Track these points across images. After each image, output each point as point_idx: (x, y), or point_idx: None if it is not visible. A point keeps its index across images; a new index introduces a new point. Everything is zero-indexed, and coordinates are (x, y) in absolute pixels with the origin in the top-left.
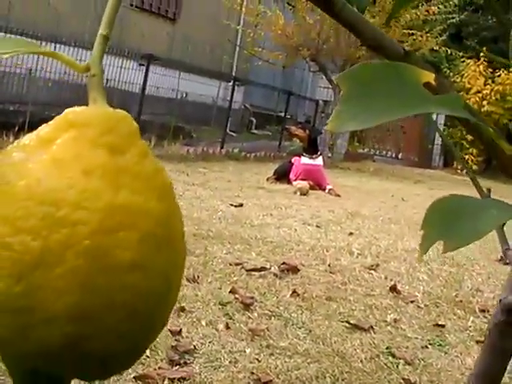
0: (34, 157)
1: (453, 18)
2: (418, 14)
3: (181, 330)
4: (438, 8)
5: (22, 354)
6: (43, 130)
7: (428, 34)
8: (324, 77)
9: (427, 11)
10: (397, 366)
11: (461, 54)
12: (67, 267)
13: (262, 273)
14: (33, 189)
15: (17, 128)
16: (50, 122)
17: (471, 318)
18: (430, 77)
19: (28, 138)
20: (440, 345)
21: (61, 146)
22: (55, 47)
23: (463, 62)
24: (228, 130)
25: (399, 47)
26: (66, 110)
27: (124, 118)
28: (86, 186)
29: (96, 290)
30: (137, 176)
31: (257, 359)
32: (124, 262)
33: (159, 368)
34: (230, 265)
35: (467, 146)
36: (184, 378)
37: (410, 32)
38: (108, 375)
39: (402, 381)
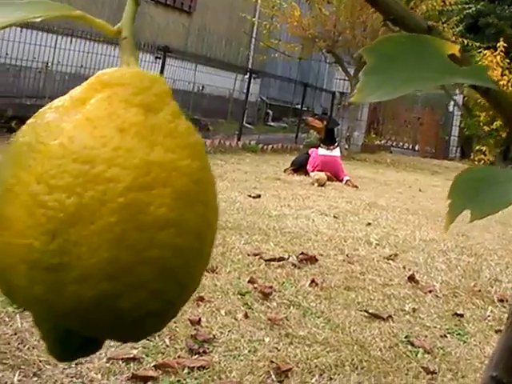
0: (67, 117)
1: (469, 8)
2: (435, 4)
3: (200, 319)
4: None
5: (56, 313)
6: (76, 91)
7: (444, 25)
8: (340, 68)
9: (443, 2)
10: (416, 355)
11: (477, 44)
12: (102, 224)
13: (281, 263)
14: (66, 147)
15: None
16: (83, 84)
17: (490, 308)
18: (454, 48)
19: (61, 100)
20: (459, 334)
21: (94, 106)
22: (71, 40)
23: (480, 52)
24: (244, 123)
25: (422, 22)
26: (99, 72)
27: (157, 78)
28: (119, 143)
29: (130, 247)
30: (170, 134)
31: (276, 348)
32: (158, 219)
33: (179, 357)
34: (249, 255)
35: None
36: (203, 367)
37: (435, 24)
38: (141, 336)
39: (421, 369)
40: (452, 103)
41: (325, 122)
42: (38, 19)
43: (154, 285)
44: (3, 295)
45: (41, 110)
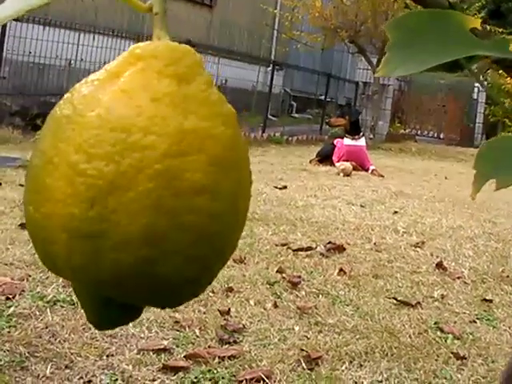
0: (103, 89)
1: None
2: None
3: (229, 309)
4: None
5: (95, 281)
6: (110, 65)
7: (467, 11)
8: (363, 58)
9: None
10: (445, 341)
11: (500, 30)
12: (139, 190)
13: (309, 252)
14: (103, 117)
15: None
16: (117, 57)
17: None
18: (476, 22)
19: (96, 74)
20: (488, 319)
21: (129, 78)
22: (93, 38)
23: (503, 38)
24: (269, 115)
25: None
26: (133, 46)
27: (188, 50)
28: (154, 112)
29: (167, 213)
30: (203, 103)
31: (306, 336)
32: (194, 185)
33: (209, 347)
34: (276, 245)
35: (509, 123)
36: (234, 356)
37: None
38: (179, 302)
39: (451, 355)
40: (476, 90)
41: (347, 117)
42: None
43: (191, 250)
44: (44, 265)
45: (76, 85)
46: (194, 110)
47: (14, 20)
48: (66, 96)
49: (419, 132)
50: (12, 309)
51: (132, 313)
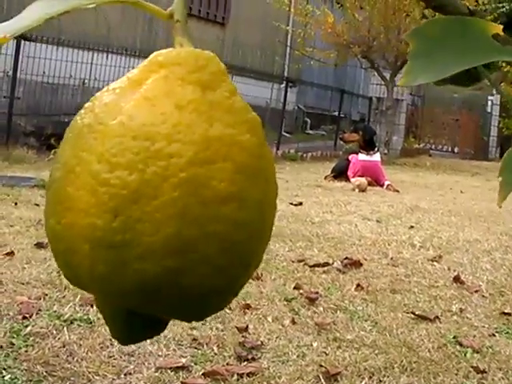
0: (126, 97)
1: (503, 6)
2: (468, 4)
3: (247, 326)
4: None
5: (119, 292)
6: (133, 72)
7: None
8: (376, 73)
9: (476, 1)
10: (465, 355)
11: None
12: (164, 199)
13: (326, 268)
14: (126, 125)
15: None
16: (139, 65)
17: None
18: (498, 28)
19: (117, 82)
20: (507, 332)
21: (152, 85)
22: (107, 56)
23: None
24: (283, 132)
25: (463, 6)
26: (155, 53)
27: (212, 57)
28: (179, 119)
29: (193, 222)
30: (228, 110)
31: (324, 352)
32: (220, 193)
33: (227, 364)
34: (293, 262)
35: None
36: (252, 373)
37: (477, 8)
38: (204, 315)
39: (470, 369)
40: (489, 104)
41: (361, 133)
42: (91, 5)
43: (217, 260)
44: (66, 279)
45: (98, 94)
46: (219, 118)
47: (27, 40)
48: (86, 105)
49: (433, 146)
50: (29, 328)
51: (156, 326)
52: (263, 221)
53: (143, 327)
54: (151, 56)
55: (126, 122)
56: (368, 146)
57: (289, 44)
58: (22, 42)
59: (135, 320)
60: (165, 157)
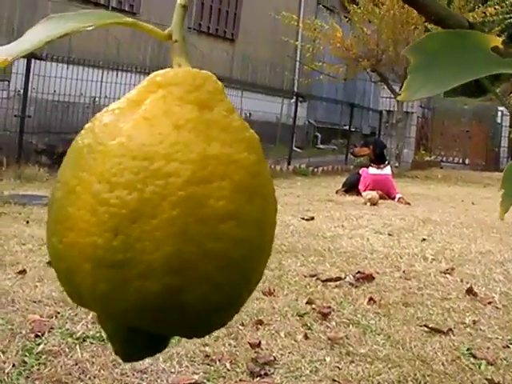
0: (125, 117)
1: (510, 17)
2: (475, 16)
3: (260, 342)
4: (495, 9)
5: (121, 310)
6: (131, 93)
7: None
8: (386, 87)
9: (484, 13)
10: (479, 367)
11: None
12: (163, 218)
13: (338, 282)
14: (126, 146)
15: None
16: (138, 86)
17: None
18: (497, 41)
19: (117, 103)
20: None
21: (150, 105)
22: (117, 74)
23: None
24: (294, 147)
25: (463, 19)
26: (153, 73)
27: (209, 76)
28: (177, 139)
29: (192, 240)
30: (226, 129)
31: (337, 367)
32: (218, 211)
33: (240, 380)
34: (305, 276)
35: None
36: None
37: (476, 22)
38: (206, 331)
39: (485, 381)
40: (500, 114)
41: (371, 147)
42: (90, 28)
43: (217, 277)
44: (69, 298)
45: (97, 115)
46: (216, 137)
47: (37, 59)
48: (86, 126)
49: (444, 158)
50: (41, 346)
51: (159, 344)
52: (262, 237)
53: (146, 344)
54: (149, 76)
55: (125, 143)
56: (379, 159)
57: (298, 59)
58: (33, 60)
59: (137, 337)
60: (163, 176)
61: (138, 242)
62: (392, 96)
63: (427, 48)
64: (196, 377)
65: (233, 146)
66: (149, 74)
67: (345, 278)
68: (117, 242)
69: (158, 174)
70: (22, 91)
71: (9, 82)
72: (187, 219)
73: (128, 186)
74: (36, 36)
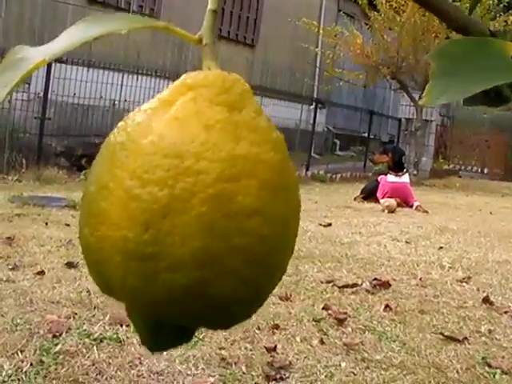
0: (156, 117)
1: None
2: (497, 25)
3: (276, 346)
4: None
5: (149, 301)
6: (163, 94)
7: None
8: (405, 94)
9: (505, 21)
10: (494, 376)
11: None
12: (193, 214)
13: (354, 289)
14: (157, 144)
15: None
16: (169, 87)
17: None
18: None
19: (149, 103)
20: None
21: (181, 106)
22: (137, 78)
23: None
24: (312, 153)
25: (485, 28)
26: (184, 75)
27: (238, 79)
28: (207, 138)
29: (219, 235)
30: (254, 130)
31: (352, 373)
32: (245, 208)
33: (256, 383)
34: (322, 282)
35: None
36: None
37: (498, 30)
38: (231, 323)
39: None
40: None
41: (390, 155)
42: (124, 31)
43: (243, 272)
44: (100, 290)
45: (130, 114)
46: (244, 137)
47: (58, 62)
48: (120, 124)
49: (463, 167)
50: (59, 346)
51: (184, 335)
52: (287, 233)
53: (171, 335)
54: (181, 78)
55: (156, 141)
56: (397, 167)
57: (318, 65)
58: (53, 63)
59: (164, 328)
60: (193, 173)
61: (168, 236)
62: (411, 104)
63: (449, 54)
64: (212, 379)
65: (260, 146)
66: (168, 78)
67: (361, 284)
68: (147, 236)
69: (188, 172)
70: (42, 94)
71: (29, 84)
72: (215, 215)
73: (159, 183)
74: (71, 37)
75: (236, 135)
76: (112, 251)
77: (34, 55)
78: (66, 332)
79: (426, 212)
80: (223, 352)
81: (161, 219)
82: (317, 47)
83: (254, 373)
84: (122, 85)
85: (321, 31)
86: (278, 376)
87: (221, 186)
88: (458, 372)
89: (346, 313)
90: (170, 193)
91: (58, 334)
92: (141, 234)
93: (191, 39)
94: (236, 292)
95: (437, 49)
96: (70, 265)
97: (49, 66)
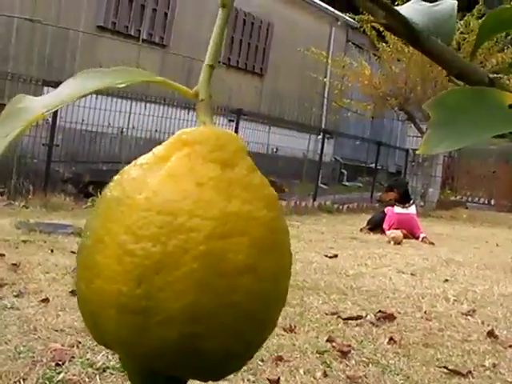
0: (151, 173)
1: None
2: (504, 57)
3: (279, 378)
4: None
5: (141, 354)
6: (158, 149)
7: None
8: (413, 125)
9: None
10: None
11: None
12: (185, 270)
13: (359, 321)
14: (151, 200)
15: None
16: (165, 142)
17: None
18: None
19: (145, 158)
20: None
21: (175, 163)
22: (145, 106)
23: None
24: (319, 183)
25: (484, 75)
26: (179, 131)
27: (232, 136)
28: (199, 196)
29: (211, 292)
30: (246, 187)
31: None
32: (236, 265)
33: None
34: (327, 314)
35: None
36: None
37: (498, 76)
38: (222, 375)
39: None
40: None
41: (396, 190)
42: (122, 85)
43: (234, 327)
44: (94, 340)
45: (126, 168)
46: (237, 194)
47: None
48: (116, 178)
49: (470, 198)
50: (62, 375)
51: None
52: (278, 289)
53: None
54: (176, 134)
55: (151, 197)
56: (403, 199)
57: (326, 95)
58: None
59: (156, 378)
60: (186, 231)
61: (161, 292)
62: (419, 135)
63: (447, 104)
64: None
65: (252, 204)
66: (177, 106)
67: (366, 316)
68: (140, 291)
69: (181, 229)
70: (50, 120)
71: None
72: (207, 272)
73: (152, 239)
74: (70, 90)
75: (228, 193)
76: (106, 304)
77: (35, 106)
78: (69, 360)
79: (432, 244)
80: (226, 383)
81: (154, 275)
82: (325, 77)
83: None
84: (130, 112)
85: (329, 61)
86: None
87: (212, 244)
88: None
89: (349, 345)
90: (163, 249)
91: (61, 362)
92: (134, 288)
93: (188, 94)
94: (227, 346)
95: (435, 98)
96: (75, 293)
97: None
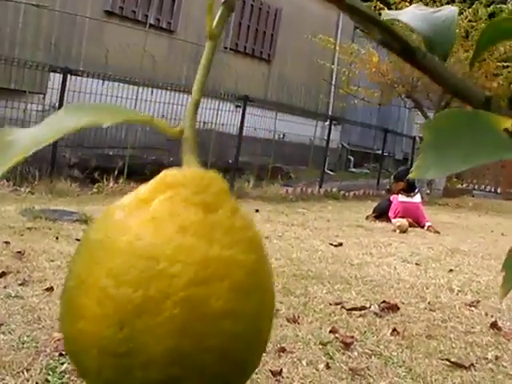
0: (134, 216)
1: None
2: (510, 69)
3: (281, 370)
4: None
5: None
6: (142, 190)
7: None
8: (420, 113)
9: None
10: None
11: None
12: (166, 315)
13: (362, 312)
14: (133, 244)
15: (116, 172)
16: (148, 184)
17: None
18: (508, 122)
19: (128, 199)
20: None
21: (158, 206)
22: (152, 92)
23: None
24: (326, 170)
25: (480, 93)
26: (163, 172)
27: (215, 177)
28: (181, 241)
29: (192, 336)
30: (228, 231)
31: None
32: (216, 310)
33: None
34: (330, 304)
35: None
36: None
37: (505, 64)
38: None
39: None
40: None
41: (404, 181)
42: (106, 125)
43: (215, 369)
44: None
45: (110, 207)
46: (219, 238)
47: (73, 74)
48: (99, 219)
49: (476, 186)
50: (65, 365)
51: None
52: (259, 331)
53: None
54: (160, 175)
55: (132, 241)
56: (409, 187)
57: (333, 82)
58: (68, 76)
59: None
60: (167, 276)
61: (142, 335)
62: None
63: (440, 127)
64: None
65: (233, 247)
66: (183, 92)
67: (369, 307)
68: (121, 335)
69: (161, 274)
70: (57, 105)
71: (44, 95)
72: (187, 317)
73: (133, 284)
74: (57, 125)
75: (210, 237)
76: (89, 344)
77: (23, 139)
78: None
79: (438, 232)
80: None
81: (135, 319)
82: (333, 64)
83: None
84: (137, 99)
85: (337, 48)
86: None
87: (193, 289)
88: None
89: (353, 336)
90: (144, 294)
91: (64, 352)
92: (115, 331)
93: (171, 132)
94: None
95: (429, 120)
96: None
97: (64, 78)
